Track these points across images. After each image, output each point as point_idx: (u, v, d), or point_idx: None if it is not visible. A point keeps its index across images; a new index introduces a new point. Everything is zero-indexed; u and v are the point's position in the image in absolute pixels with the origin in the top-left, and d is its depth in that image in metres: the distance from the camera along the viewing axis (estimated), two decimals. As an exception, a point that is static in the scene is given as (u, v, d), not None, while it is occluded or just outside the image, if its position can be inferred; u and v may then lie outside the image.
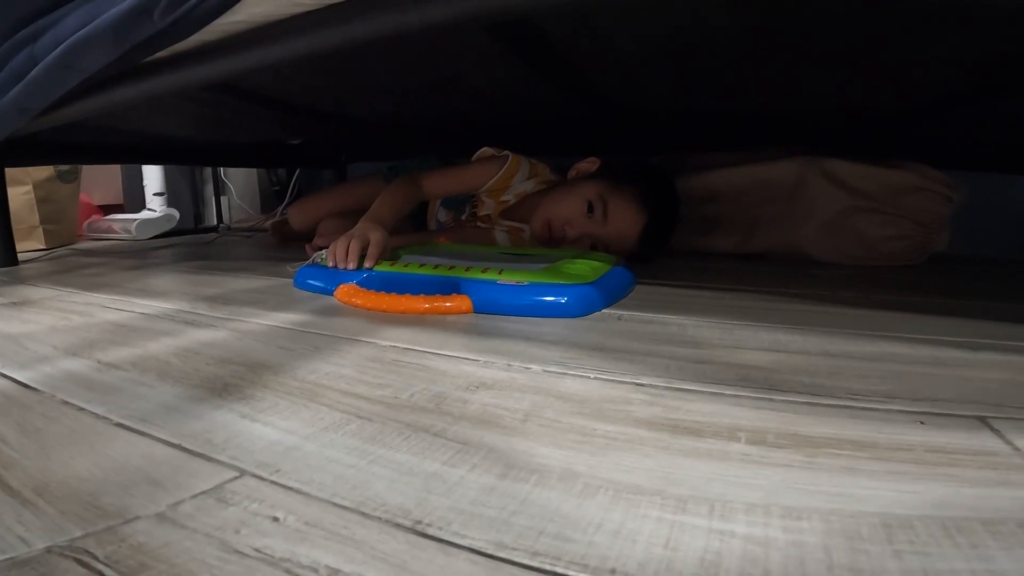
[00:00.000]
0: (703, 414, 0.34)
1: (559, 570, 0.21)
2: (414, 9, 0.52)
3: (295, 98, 1.06)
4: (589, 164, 1.04)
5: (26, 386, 0.40)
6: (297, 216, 1.27)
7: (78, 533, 0.23)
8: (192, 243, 1.52)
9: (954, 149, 1.14)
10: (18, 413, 0.35)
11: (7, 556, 0.21)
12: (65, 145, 1.28)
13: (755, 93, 0.92)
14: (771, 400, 0.36)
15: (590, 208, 0.94)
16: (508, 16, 0.51)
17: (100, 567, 0.21)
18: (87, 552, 0.22)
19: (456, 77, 0.93)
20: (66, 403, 0.37)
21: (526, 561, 0.21)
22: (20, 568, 0.21)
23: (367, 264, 0.75)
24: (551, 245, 0.99)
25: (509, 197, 1.07)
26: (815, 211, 1.06)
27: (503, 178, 1.05)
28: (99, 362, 0.46)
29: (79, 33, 0.65)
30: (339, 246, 0.76)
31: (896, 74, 0.76)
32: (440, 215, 1.16)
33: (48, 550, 0.22)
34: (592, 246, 0.96)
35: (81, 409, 0.36)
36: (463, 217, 1.12)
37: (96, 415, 0.35)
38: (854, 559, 0.21)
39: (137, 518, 0.24)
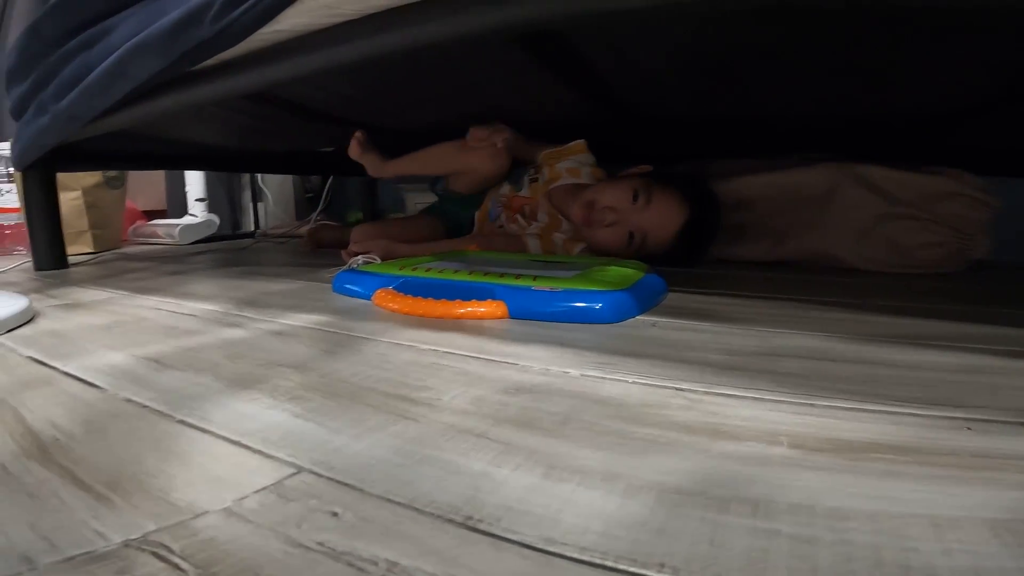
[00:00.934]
0: (742, 419, 0.35)
1: (608, 563, 0.21)
2: (448, 20, 0.54)
3: (330, 107, 1.09)
4: (640, 170, 1.08)
5: (90, 384, 0.42)
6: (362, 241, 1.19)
7: (152, 527, 0.24)
8: (230, 248, 1.56)
9: (990, 154, 1.12)
10: (84, 410, 0.37)
11: (85, 550, 0.23)
12: (112, 152, 1.33)
13: (781, 100, 0.91)
14: (811, 406, 0.37)
15: (635, 198, 0.97)
16: (534, 26, 0.54)
17: (177, 560, 0.22)
18: (163, 546, 0.23)
19: (483, 86, 0.94)
20: (129, 401, 0.39)
21: (575, 555, 0.22)
22: (99, 562, 0.22)
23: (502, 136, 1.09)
24: (588, 229, 1.01)
25: (563, 168, 1.13)
26: (849, 218, 1.05)
27: (567, 150, 1.16)
28: (156, 362, 0.48)
29: (132, 40, 0.68)
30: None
31: (927, 80, 0.75)
32: (504, 188, 1.20)
33: (125, 544, 0.23)
34: (630, 235, 0.97)
35: (144, 407, 0.38)
36: (521, 186, 1.18)
37: (160, 413, 0.37)
38: (903, 557, 0.21)
39: (206, 512, 0.25)
